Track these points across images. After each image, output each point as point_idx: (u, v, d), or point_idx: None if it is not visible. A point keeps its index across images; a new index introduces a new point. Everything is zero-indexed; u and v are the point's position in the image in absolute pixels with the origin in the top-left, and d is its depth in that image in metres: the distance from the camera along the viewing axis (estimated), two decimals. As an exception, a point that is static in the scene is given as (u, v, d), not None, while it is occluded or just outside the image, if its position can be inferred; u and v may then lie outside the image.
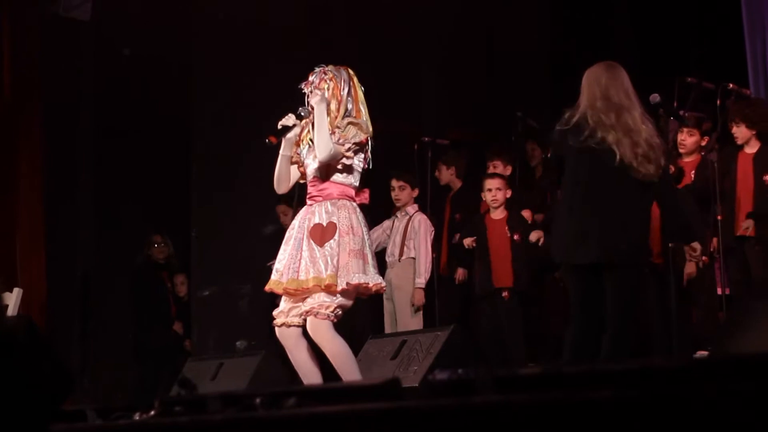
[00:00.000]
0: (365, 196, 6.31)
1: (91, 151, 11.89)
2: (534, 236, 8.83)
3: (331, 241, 6.01)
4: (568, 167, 6.20)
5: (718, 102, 7.88)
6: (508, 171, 9.56)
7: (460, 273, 9.46)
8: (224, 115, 10.93)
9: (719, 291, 7.89)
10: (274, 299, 10.22)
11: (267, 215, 10.22)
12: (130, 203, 11.73)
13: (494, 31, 11.31)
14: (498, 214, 9.10)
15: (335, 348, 6.11)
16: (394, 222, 9.55)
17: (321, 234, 6.05)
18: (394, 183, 9.47)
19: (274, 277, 6.20)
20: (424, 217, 9.47)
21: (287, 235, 6.25)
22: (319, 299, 6.05)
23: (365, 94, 6.34)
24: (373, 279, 6.08)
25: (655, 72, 9.74)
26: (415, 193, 9.52)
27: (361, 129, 6.15)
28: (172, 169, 11.63)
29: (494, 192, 9.02)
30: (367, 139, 6.18)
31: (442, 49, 11.55)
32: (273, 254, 6.49)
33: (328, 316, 6.06)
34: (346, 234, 6.04)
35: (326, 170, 6.19)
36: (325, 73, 6.25)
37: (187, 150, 11.31)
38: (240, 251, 10.59)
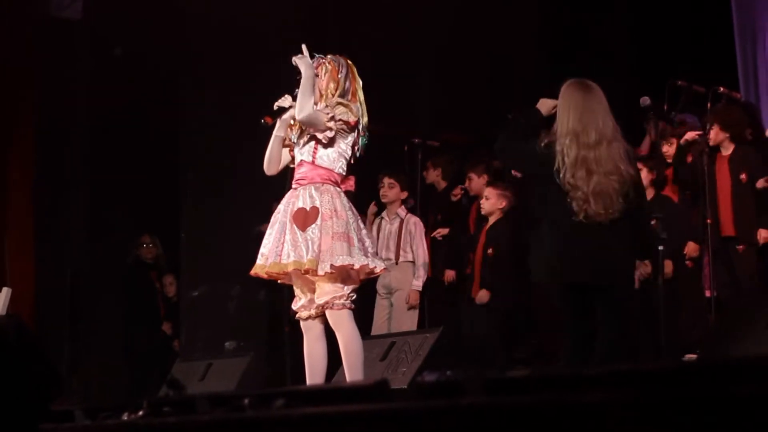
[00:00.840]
0: (351, 183, 6.31)
1: (81, 151, 11.86)
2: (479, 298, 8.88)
3: (313, 225, 6.00)
4: (541, 189, 6.07)
5: (709, 105, 7.91)
6: (485, 180, 9.52)
7: (449, 275, 9.47)
8: (215, 116, 10.92)
9: (707, 294, 7.91)
10: (264, 299, 10.30)
11: (257, 215, 10.20)
12: (119, 204, 11.71)
13: (490, 33, 11.31)
14: (489, 223, 9.12)
15: (351, 340, 6.14)
16: (381, 223, 9.55)
17: (304, 218, 6.03)
18: (385, 180, 9.47)
19: (259, 261, 6.18)
20: (417, 219, 9.47)
21: (273, 219, 6.23)
22: (330, 290, 6.08)
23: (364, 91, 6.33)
24: (358, 260, 6.02)
25: (647, 75, 9.76)
26: (404, 195, 9.53)
27: (350, 110, 6.11)
28: (161, 169, 11.61)
29: (483, 201, 9.05)
30: (356, 123, 6.14)
31: (438, 51, 11.55)
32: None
33: (345, 305, 6.09)
34: (329, 218, 6.02)
35: (313, 151, 6.18)
36: (323, 59, 6.26)
37: (177, 150, 11.29)
38: (229, 252, 10.57)
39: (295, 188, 6.20)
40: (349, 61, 6.32)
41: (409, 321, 9.30)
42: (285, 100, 6.21)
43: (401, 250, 9.37)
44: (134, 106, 11.57)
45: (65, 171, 11.71)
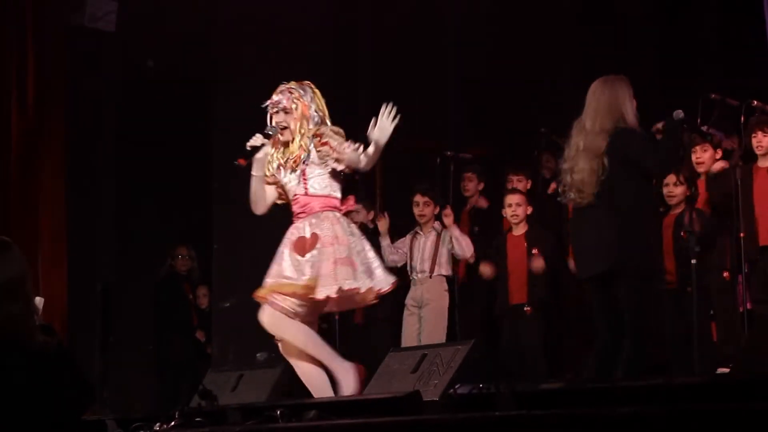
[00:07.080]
0: (351, 203, 6.37)
1: (114, 162, 11.91)
2: (535, 266, 8.84)
3: (313, 251, 6.07)
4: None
5: (742, 119, 7.86)
6: (528, 186, 9.53)
7: (488, 269, 9.30)
8: (247, 127, 10.92)
9: (741, 308, 7.85)
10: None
11: (288, 227, 10.20)
12: (151, 214, 11.74)
13: (517, 46, 11.29)
14: (518, 230, 9.07)
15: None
16: (413, 238, 9.49)
17: (303, 245, 6.14)
18: (419, 198, 9.38)
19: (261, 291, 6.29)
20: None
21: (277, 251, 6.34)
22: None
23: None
24: (364, 284, 6.11)
25: (679, 88, 9.72)
26: (437, 210, 9.48)
27: (341, 135, 6.20)
28: (193, 180, 11.64)
29: (514, 207, 8.99)
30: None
31: (466, 64, 11.55)
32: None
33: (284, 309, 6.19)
34: (330, 245, 6.09)
35: (303, 183, 6.31)
36: (291, 92, 6.31)
37: (210, 161, 11.32)
38: (261, 262, 10.55)
39: (295, 222, 6.27)
40: (312, 85, 6.37)
41: (439, 335, 9.25)
42: (256, 140, 6.33)
43: (436, 264, 9.33)
44: (166, 117, 11.62)
45: (97, 182, 11.76)
